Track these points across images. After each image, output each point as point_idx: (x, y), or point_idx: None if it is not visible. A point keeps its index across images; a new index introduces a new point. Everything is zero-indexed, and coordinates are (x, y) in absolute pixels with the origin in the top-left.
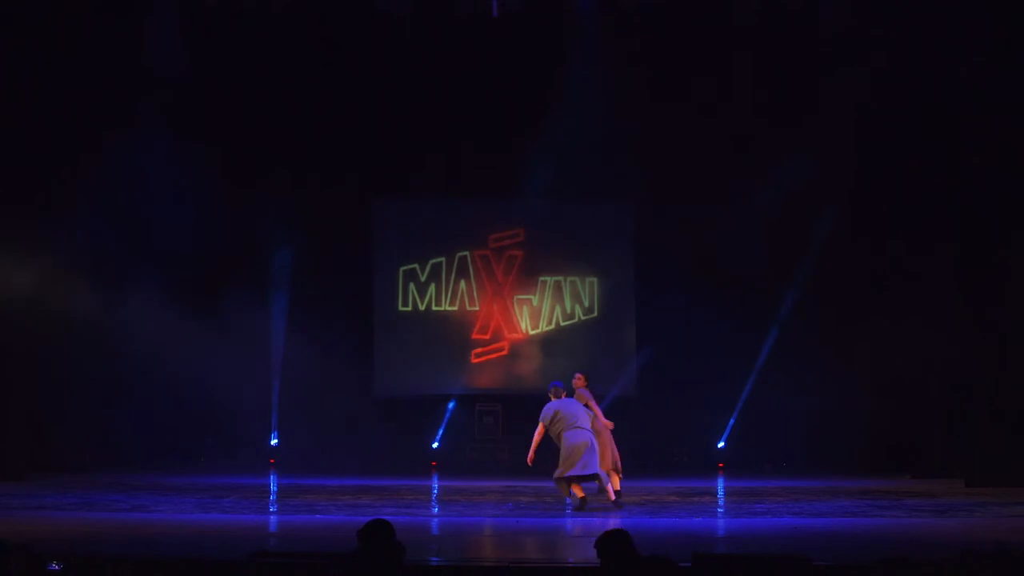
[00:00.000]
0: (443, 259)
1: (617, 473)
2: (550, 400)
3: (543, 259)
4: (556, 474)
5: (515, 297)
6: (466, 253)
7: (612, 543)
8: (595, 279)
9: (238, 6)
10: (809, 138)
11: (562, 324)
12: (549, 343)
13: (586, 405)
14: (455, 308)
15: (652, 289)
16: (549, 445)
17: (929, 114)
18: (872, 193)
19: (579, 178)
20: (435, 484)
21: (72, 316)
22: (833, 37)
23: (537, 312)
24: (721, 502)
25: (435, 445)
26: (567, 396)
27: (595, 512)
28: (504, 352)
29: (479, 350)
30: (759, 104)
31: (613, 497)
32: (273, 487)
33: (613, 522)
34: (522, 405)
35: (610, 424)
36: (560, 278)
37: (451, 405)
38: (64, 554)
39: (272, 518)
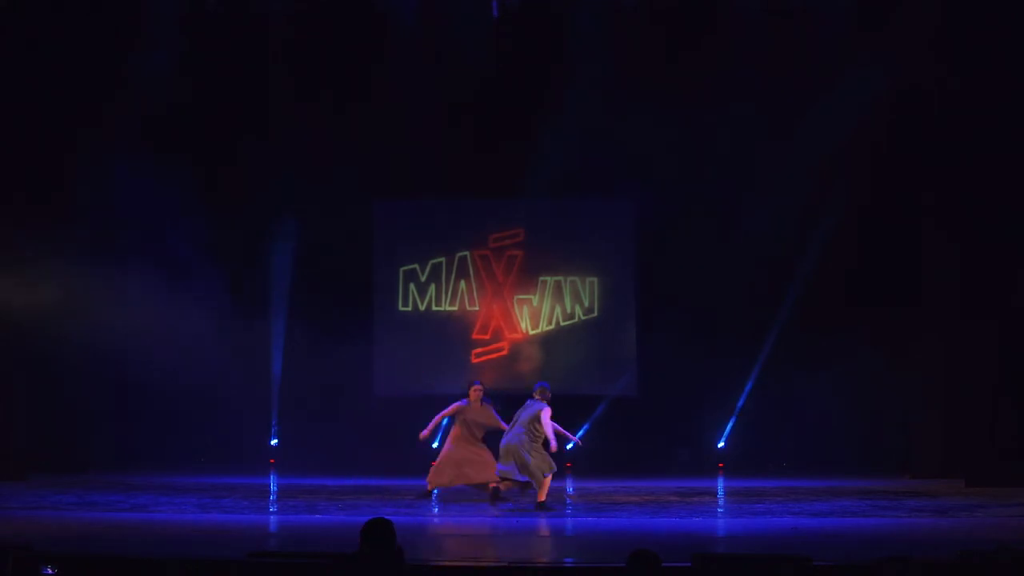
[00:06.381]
0: (443, 259)
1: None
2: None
3: (543, 259)
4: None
5: (515, 297)
6: (466, 253)
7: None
8: (595, 279)
9: (237, 6)
10: (810, 137)
11: (562, 324)
12: (549, 343)
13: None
14: (455, 308)
15: (652, 289)
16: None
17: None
18: (871, 195)
19: (579, 178)
20: None
21: (71, 316)
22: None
23: (537, 312)
24: (721, 502)
25: (435, 445)
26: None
27: (595, 512)
28: (504, 352)
29: (479, 350)
30: (759, 102)
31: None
32: (273, 487)
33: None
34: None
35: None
36: (560, 278)
37: (445, 422)
38: (63, 555)
39: (272, 518)
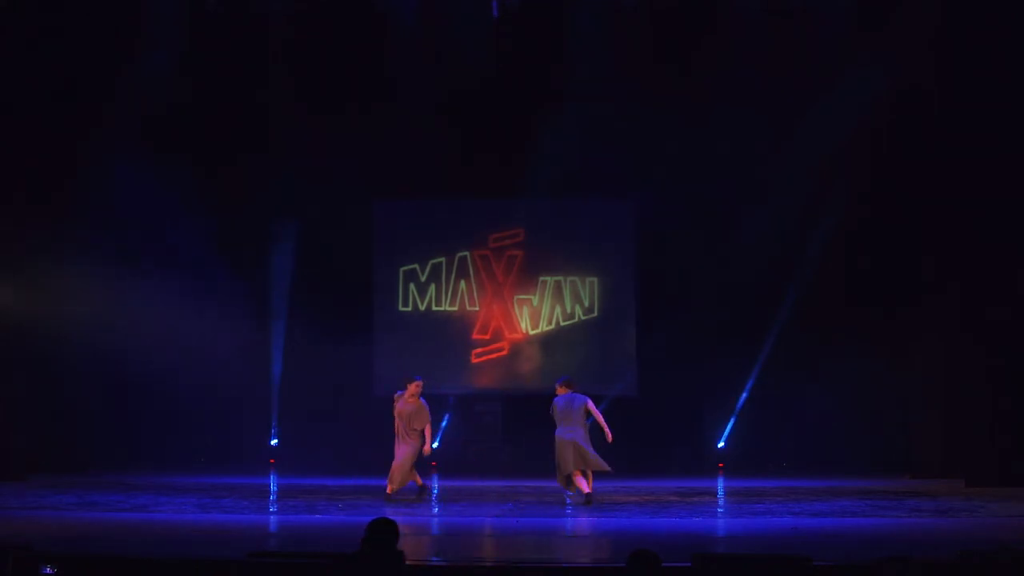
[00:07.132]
0: (443, 259)
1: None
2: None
3: (543, 259)
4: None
5: (515, 297)
6: (466, 253)
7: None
8: (595, 279)
9: (237, 6)
10: (809, 138)
11: (562, 324)
12: (549, 343)
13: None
14: (455, 308)
15: (652, 289)
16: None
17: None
18: (871, 195)
19: (579, 177)
20: (435, 484)
21: (71, 316)
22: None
23: (537, 312)
24: (721, 502)
25: (435, 445)
26: (570, 392)
27: (595, 512)
28: (504, 352)
29: (479, 350)
30: (759, 102)
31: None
32: (273, 487)
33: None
34: (522, 405)
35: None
36: (560, 278)
37: (444, 423)
38: (63, 555)
39: (272, 518)
